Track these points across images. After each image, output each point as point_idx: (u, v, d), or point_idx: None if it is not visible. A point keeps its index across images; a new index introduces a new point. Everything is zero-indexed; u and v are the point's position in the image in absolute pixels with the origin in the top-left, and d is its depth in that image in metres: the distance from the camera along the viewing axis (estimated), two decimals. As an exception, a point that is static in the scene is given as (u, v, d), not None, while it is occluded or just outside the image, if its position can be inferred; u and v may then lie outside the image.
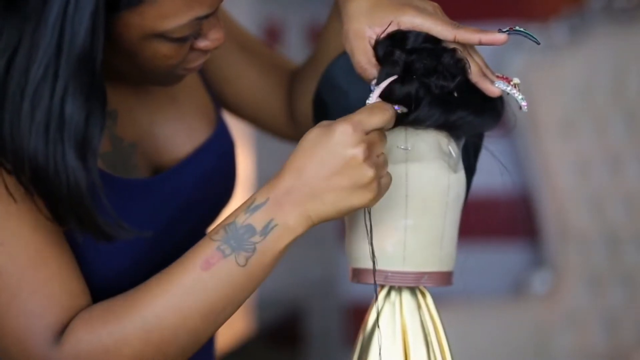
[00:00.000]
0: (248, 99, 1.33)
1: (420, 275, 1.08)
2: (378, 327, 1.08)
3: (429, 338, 1.08)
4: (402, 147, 1.05)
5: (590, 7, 2.76)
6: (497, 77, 1.05)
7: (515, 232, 2.94)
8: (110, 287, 1.08)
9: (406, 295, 1.09)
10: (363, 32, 1.04)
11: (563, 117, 2.74)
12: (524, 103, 1.05)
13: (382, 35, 1.04)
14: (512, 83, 1.05)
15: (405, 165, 1.05)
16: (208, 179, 1.20)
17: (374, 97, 1.02)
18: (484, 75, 1.04)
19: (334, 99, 1.12)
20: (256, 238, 0.99)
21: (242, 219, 0.99)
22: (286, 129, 1.36)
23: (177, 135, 1.19)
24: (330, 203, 0.99)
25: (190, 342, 1.02)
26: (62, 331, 1.00)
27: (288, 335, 2.85)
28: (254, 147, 2.63)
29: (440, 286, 1.09)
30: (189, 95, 1.22)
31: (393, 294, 1.09)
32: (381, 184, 1.00)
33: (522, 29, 1.05)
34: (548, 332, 2.71)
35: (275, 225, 0.99)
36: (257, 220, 0.99)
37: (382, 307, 1.09)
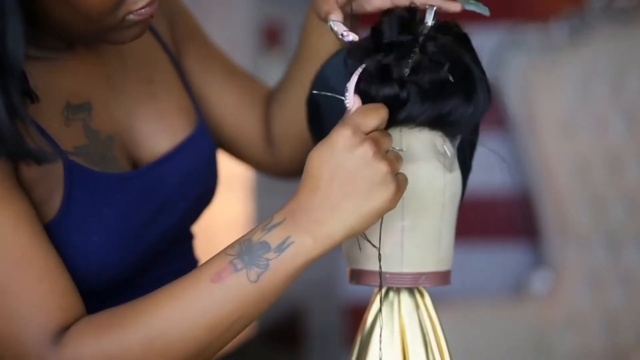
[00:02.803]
0: (227, 120, 1.33)
1: (419, 276, 1.08)
2: (381, 329, 1.08)
3: (427, 338, 1.08)
4: (397, 148, 1.05)
5: (590, 7, 2.76)
6: None
7: (515, 232, 2.94)
8: (94, 284, 1.08)
9: (404, 296, 1.09)
10: None
11: (563, 117, 2.74)
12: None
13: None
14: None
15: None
16: (187, 177, 1.19)
17: (350, 95, 1.01)
18: None
19: (327, 100, 1.12)
20: (270, 255, 0.98)
21: (258, 236, 0.99)
22: (262, 154, 1.36)
23: (157, 132, 1.19)
24: (351, 212, 0.97)
25: (194, 354, 1.00)
26: (58, 332, 1.00)
27: (288, 335, 2.85)
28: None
29: (438, 285, 1.09)
30: (169, 95, 1.22)
31: (391, 294, 1.09)
32: (399, 179, 0.99)
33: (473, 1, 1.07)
34: (548, 332, 2.70)
35: (292, 243, 0.98)
36: (273, 237, 0.98)
37: (380, 307, 1.09)
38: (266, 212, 2.62)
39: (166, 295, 1.00)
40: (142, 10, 1.04)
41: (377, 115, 0.99)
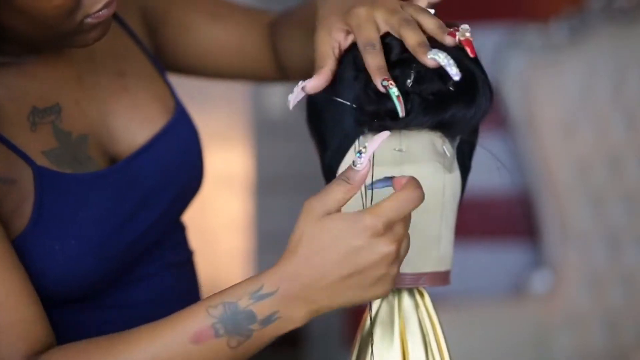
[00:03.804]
0: (236, 61, 1.32)
1: (419, 277, 1.08)
2: (372, 335, 1.08)
3: (427, 338, 1.08)
4: (397, 149, 1.05)
5: (590, 8, 2.76)
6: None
7: (515, 232, 2.93)
8: (80, 288, 1.07)
9: (404, 296, 1.09)
10: (330, 24, 1.03)
11: (563, 117, 2.74)
12: (454, 73, 0.99)
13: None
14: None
15: (400, 167, 1.05)
16: (168, 167, 1.18)
17: (366, 158, 0.95)
18: (421, 46, 1.00)
19: (325, 101, 1.12)
20: (255, 326, 0.96)
21: (245, 303, 0.96)
22: (273, 74, 1.35)
23: (132, 124, 1.17)
24: (348, 298, 0.97)
25: None
26: None
27: (288, 335, 2.85)
28: (254, 147, 2.63)
29: (438, 286, 1.09)
30: (142, 85, 1.21)
31: (391, 294, 1.09)
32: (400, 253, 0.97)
33: None
34: (548, 332, 2.70)
35: (279, 318, 0.97)
36: (261, 309, 0.96)
37: (379, 308, 1.09)
38: (266, 212, 2.62)
39: (142, 340, 0.97)
40: (100, 12, 1.03)
41: (412, 204, 0.95)
